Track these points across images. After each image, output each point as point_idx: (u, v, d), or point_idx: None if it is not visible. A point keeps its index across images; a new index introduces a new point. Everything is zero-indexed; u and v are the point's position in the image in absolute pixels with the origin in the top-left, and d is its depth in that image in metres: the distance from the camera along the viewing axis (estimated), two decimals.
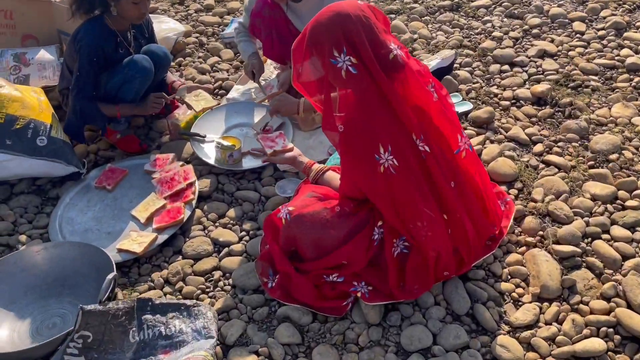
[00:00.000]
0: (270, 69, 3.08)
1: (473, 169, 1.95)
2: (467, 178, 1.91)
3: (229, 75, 3.31)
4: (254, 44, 2.90)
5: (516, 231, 2.20)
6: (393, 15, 3.73)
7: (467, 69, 3.14)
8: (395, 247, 1.90)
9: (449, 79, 3.01)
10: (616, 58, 3.08)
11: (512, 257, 2.10)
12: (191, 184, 2.44)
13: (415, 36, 3.45)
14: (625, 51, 3.12)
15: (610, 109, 2.78)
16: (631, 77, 2.96)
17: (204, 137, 2.71)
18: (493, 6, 3.71)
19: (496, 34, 3.39)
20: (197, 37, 3.69)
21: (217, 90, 3.17)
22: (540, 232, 2.16)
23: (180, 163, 2.57)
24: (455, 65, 3.12)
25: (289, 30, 2.73)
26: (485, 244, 2.04)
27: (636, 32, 3.28)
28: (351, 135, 1.77)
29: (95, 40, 2.45)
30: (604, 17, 3.45)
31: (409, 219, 1.81)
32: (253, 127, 2.77)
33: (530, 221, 2.19)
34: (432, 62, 3.05)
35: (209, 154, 2.63)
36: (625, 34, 3.26)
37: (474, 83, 3.05)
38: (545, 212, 2.24)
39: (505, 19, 3.58)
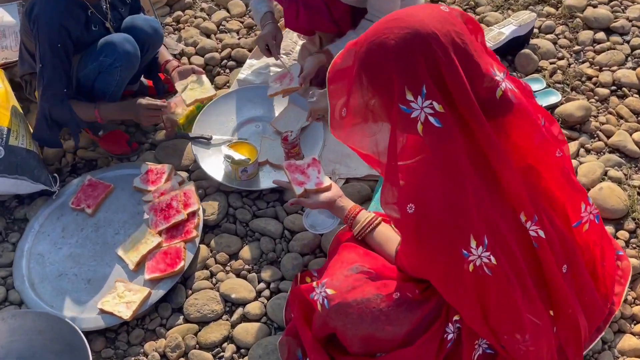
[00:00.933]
0: (294, 38, 2.38)
1: (594, 241, 1.36)
2: (583, 256, 1.33)
3: (239, 38, 2.61)
4: (271, 1, 2.18)
5: (630, 297, 1.63)
6: None
7: (548, 36, 2.41)
8: (476, 348, 1.36)
9: (526, 53, 2.30)
10: None
11: (626, 341, 1.55)
12: (193, 213, 1.87)
13: None
14: None
15: None
16: None
17: (210, 139, 2.09)
18: None
19: None
20: None
21: (224, 61, 2.50)
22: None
23: (179, 180, 1.98)
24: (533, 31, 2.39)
25: None
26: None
27: None
28: (427, 221, 1.18)
29: (56, 17, 1.78)
30: None
31: (504, 330, 1.26)
32: (273, 124, 2.13)
33: None
34: (506, 28, 2.33)
35: (217, 163, 2.03)
36: None
37: (559, 59, 2.33)
38: None
39: None
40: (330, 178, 1.97)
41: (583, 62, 2.32)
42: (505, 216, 1.17)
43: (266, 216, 1.93)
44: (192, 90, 2.05)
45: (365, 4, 2.02)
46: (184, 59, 2.50)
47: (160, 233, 1.84)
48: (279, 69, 2.30)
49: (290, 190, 1.66)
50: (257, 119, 2.18)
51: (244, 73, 2.34)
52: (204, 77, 2.09)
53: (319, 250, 1.83)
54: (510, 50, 2.33)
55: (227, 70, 2.47)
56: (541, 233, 1.19)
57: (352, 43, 1.20)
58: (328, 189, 1.62)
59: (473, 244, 1.16)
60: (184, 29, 2.67)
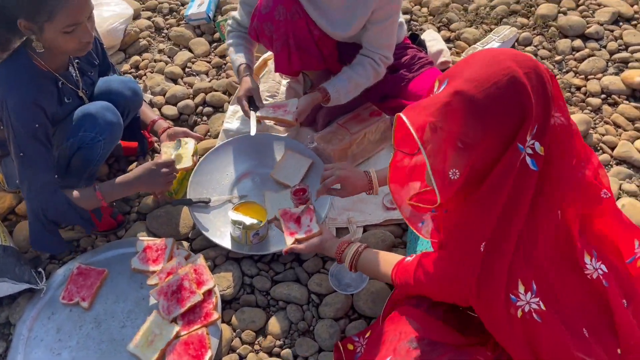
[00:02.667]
0: (277, 78, 2.22)
1: None
2: None
3: (210, 80, 2.42)
4: (251, 49, 2.01)
5: None
6: None
7: (528, 48, 2.40)
8: None
9: None
10: None
11: None
12: (209, 292, 1.68)
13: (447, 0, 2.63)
14: None
15: None
16: None
17: (208, 201, 1.90)
18: None
19: None
20: (150, 19, 2.71)
21: (200, 108, 2.31)
22: None
23: (184, 254, 1.78)
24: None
25: (310, 33, 1.87)
26: None
27: None
28: (494, 257, 1.15)
29: (28, 95, 1.53)
30: None
31: None
32: (273, 175, 1.98)
33: None
34: (489, 46, 2.29)
35: (220, 228, 1.85)
36: None
37: None
38: None
39: None
40: (348, 228, 1.87)
41: (567, 72, 2.33)
42: (556, 259, 1.15)
43: (287, 280, 1.77)
44: (177, 154, 1.84)
45: (359, 39, 1.92)
46: (155, 111, 2.28)
47: (175, 320, 1.64)
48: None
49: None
50: (253, 171, 2.01)
51: (229, 122, 2.16)
52: (192, 144, 1.87)
53: (353, 312, 1.70)
54: None
55: (205, 118, 2.28)
56: (603, 268, 1.17)
57: (448, 92, 1.05)
58: (319, 234, 1.59)
59: (521, 289, 1.14)
60: (145, 75, 2.45)
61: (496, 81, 1.01)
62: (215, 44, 2.57)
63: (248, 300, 1.74)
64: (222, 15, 2.66)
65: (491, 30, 2.45)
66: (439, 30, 2.51)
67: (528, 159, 1.04)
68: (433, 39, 2.35)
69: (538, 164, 1.05)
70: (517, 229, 1.11)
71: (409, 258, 1.38)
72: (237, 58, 1.96)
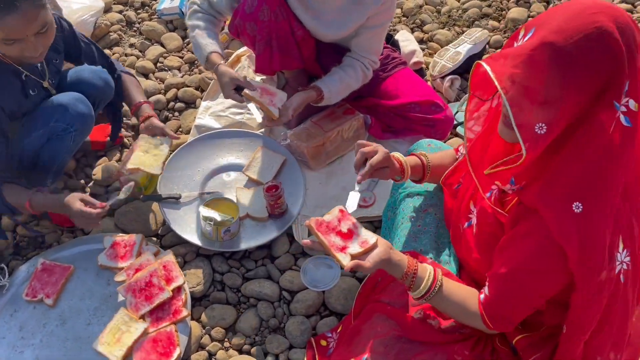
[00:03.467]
0: (249, 75, 2.20)
1: None
2: None
3: (182, 76, 2.39)
4: (218, 36, 1.91)
5: None
6: None
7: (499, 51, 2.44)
8: None
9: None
10: None
11: None
12: (179, 288, 1.66)
13: (420, 1, 2.66)
14: None
15: None
16: None
17: (179, 197, 1.88)
18: None
19: None
20: (121, 13, 2.66)
21: (172, 104, 2.28)
22: None
23: (153, 250, 1.75)
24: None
25: (293, 34, 1.86)
26: None
27: None
28: (595, 221, 1.03)
29: None
30: None
31: (602, 349, 1.17)
32: (246, 172, 1.96)
33: None
34: (461, 47, 2.32)
35: (191, 225, 1.83)
36: None
37: None
38: None
39: None
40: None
41: None
42: (638, 217, 1.09)
43: (258, 277, 1.76)
44: (145, 155, 1.80)
45: (344, 42, 1.92)
46: (142, 92, 2.24)
47: (143, 317, 1.61)
48: (240, 110, 2.13)
49: (326, 251, 1.25)
50: (226, 167, 1.99)
51: (201, 117, 2.13)
52: (166, 150, 1.83)
53: (324, 309, 1.70)
54: (468, 68, 2.32)
55: (177, 114, 2.25)
56: None
57: (533, 43, 0.97)
58: (376, 246, 1.23)
59: (620, 247, 1.07)
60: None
61: (587, 33, 0.94)
62: (187, 39, 2.53)
63: (218, 297, 1.72)
64: None
65: (463, 32, 2.48)
66: (412, 31, 2.53)
67: (622, 117, 0.98)
68: (406, 40, 2.37)
69: (632, 121, 0.99)
70: (616, 183, 1.02)
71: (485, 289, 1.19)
72: (208, 44, 1.81)
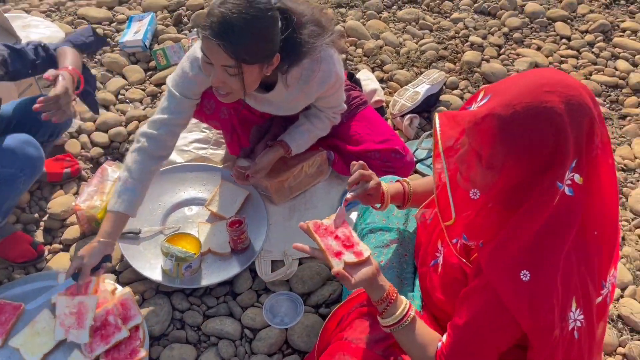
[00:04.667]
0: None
1: None
2: None
3: (144, 108, 2.37)
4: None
5: None
6: (343, 10, 2.97)
7: (455, 92, 2.55)
8: None
9: (442, 111, 2.40)
10: (617, 74, 2.68)
11: None
12: (136, 327, 1.61)
13: (380, 42, 2.75)
14: (622, 64, 2.72)
15: (630, 145, 2.37)
16: (639, 99, 2.57)
17: (138, 232, 1.84)
18: None
19: (474, 39, 2.80)
20: None
21: (133, 136, 2.25)
22: (621, 349, 1.71)
23: (111, 287, 1.70)
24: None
25: (253, 114, 1.93)
26: None
27: (622, 35, 2.90)
28: (543, 287, 1.05)
29: None
30: (583, 15, 3.01)
31: None
32: (208, 206, 1.94)
33: None
34: (420, 87, 2.41)
35: (151, 260, 1.79)
36: (615, 40, 2.86)
37: None
38: (616, 315, 1.78)
39: (476, 16, 3.00)
40: (283, 260, 1.86)
41: None
42: (594, 274, 1.10)
43: (219, 315, 1.73)
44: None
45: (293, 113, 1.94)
46: (83, 137, 2.20)
47: (98, 358, 1.55)
48: (203, 145, 2.12)
49: (320, 258, 1.22)
50: (188, 202, 1.97)
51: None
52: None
53: (287, 347, 1.68)
54: (426, 107, 2.41)
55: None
56: (609, 287, 1.15)
57: (481, 112, 1.01)
58: (367, 261, 1.20)
59: (574, 306, 1.07)
60: (75, 100, 2.34)
61: (534, 112, 0.97)
62: (150, 72, 2.53)
63: (178, 336, 1.67)
64: (158, 44, 2.63)
65: (421, 72, 2.58)
66: (372, 70, 2.61)
67: (566, 189, 1.00)
68: (368, 79, 2.44)
69: (576, 191, 1.01)
70: (563, 250, 1.03)
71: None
72: (120, 201, 1.60)
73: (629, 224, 2.08)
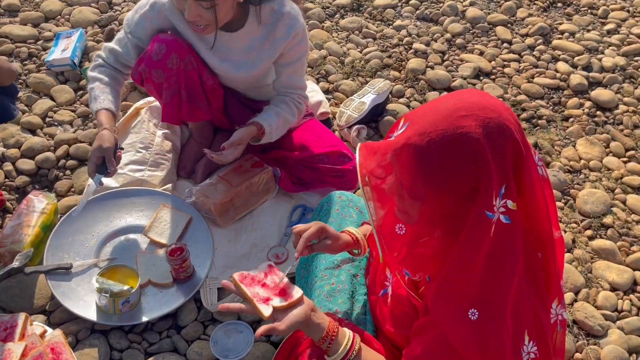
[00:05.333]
0: (150, 129, 2.07)
1: None
2: None
3: (75, 131, 2.22)
4: (119, 92, 1.81)
5: None
6: None
7: (401, 100, 2.51)
8: None
9: (389, 120, 2.35)
10: (558, 76, 2.71)
11: None
12: None
13: (324, 52, 2.69)
14: (562, 66, 2.75)
15: (575, 146, 2.39)
16: (580, 100, 2.61)
17: (70, 267, 1.69)
18: (400, 5, 3.08)
19: (417, 46, 2.79)
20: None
21: (62, 161, 2.09)
22: (578, 354, 1.69)
23: (39, 330, 1.55)
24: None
25: (202, 85, 1.79)
26: None
27: (561, 37, 2.95)
28: (492, 326, 0.98)
29: None
30: (523, 19, 3.05)
31: None
32: (147, 234, 1.82)
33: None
34: (365, 97, 2.35)
35: (84, 297, 1.64)
36: (555, 42, 2.90)
37: None
38: (571, 320, 1.77)
39: (418, 23, 2.99)
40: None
41: None
42: (544, 304, 1.05)
43: (162, 351, 1.60)
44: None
45: (255, 92, 1.91)
46: (7, 165, 2.03)
47: None
48: (140, 167, 1.98)
49: (249, 312, 1.17)
50: (124, 230, 1.83)
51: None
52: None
53: None
54: (372, 117, 2.36)
55: (68, 172, 2.07)
56: (563, 315, 1.10)
57: (399, 142, 0.97)
58: (299, 301, 1.16)
59: (527, 339, 1.02)
60: None
61: (450, 138, 0.92)
62: (81, 91, 2.37)
63: None
64: (89, 62, 2.48)
65: (367, 82, 2.53)
66: (317, 81, 2.55)
67: (502, 217, 0.94)
68: (312, 90, 2.37)
69: (512, 218, 0.95)
70: (510, 282, 0.97)
71: None
72: (101, 100, 1.69)
73: (578, 226, 2.08)
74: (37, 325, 1.57)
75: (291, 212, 2.00)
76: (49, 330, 1.56)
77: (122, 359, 1.58)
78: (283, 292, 1.17)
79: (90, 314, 1.60)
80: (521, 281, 0.98)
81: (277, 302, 1.15)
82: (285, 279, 1.20)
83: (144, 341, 1.62)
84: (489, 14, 3.05)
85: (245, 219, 1.95)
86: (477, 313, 0.96)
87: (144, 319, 1.62)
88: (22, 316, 1.55)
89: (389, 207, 1.05)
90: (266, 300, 1.16)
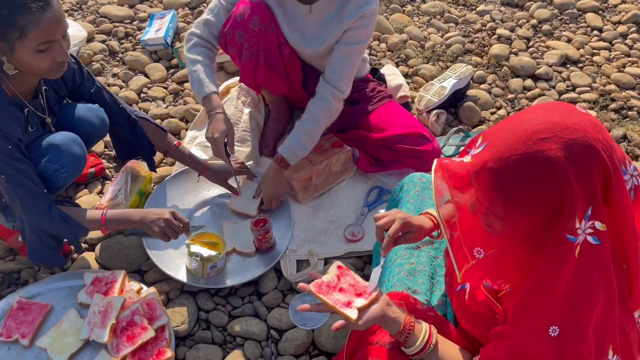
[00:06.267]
0: (239, 106, 2.18)
1: None
2: None
3: (167, 106, 2.36)
4: (214, 73, 1.87)
5: None
6: None
7: (482, 86, 2.48)
8: None
9: (470, 106, 2.33)
10: None
11: None
12: (162, 327, 1.59)
13: (404, 36, 2.70)
14: None
15: None
16: None
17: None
18: None
19: (501, 31, 2.73)
20: (104, 42, 2.63)
21: None
22: None
23: (136, 287, 1.69)
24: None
25: (280, 51, 1.86)
26: None
27: None
28: (574, 342, 0.97)
29: None
30: (615, 6, 2.91)
31: None
32: (231, 205, 1.92)
33: None
34: (446, 82, 2.35)
35: (175, 260, 1.77)
36: None
37: (497, 108, 2.40)
38: None
39: (503, 8, 2.92)
40: (309, 260, 1.83)
41: (519, 110, 2.41)
42: (629, 316, 1.03)
43: (245, 315, 1.71)
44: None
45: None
46: (106, 137, 2.19)
47: (124, 359, 1.53)
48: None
49: (332, 311, 1.20)
50: (211, 201, 1.95)
51: (189, 145, 2.09)
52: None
53: (313, 348, 1.65)
54: (453, 102, 2.35)
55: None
56: None
57: (476, 165, 0.95)
58: (378, 297, 1.19)
59: (610, 354, 1.00)
60: None
61: (529, 164, 0.88)
62: (172, 69, 2.51)
63: (203, 337, 1.65)
64: (180, 42, 2.61)
65: (447, 67, 2.52)
66: (397, 65, 2.56)
67: (589, 238, 0.90)
68: (392, 74, 2.39)
69: (601, 239, 0.91)
70: (594, 301, 0.94)
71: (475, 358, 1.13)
72: (207, 84, 1.76)
73: None
74: (134, 282, 1.71)
75: (367, 193, 2.04)
76: (144, 287, 1.70)
77: (208, 318, 1.69)
78: (361, 293, 1.20)
79: (181, 276, 1.72)
80: (611, 299, 0.96)
81: (359, 302, 1.18)
82: (359, 279, 1.24)
83: (228, 304, 1.73)
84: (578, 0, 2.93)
85: (324, 196, 2.02)
86: (558, 330, 0.94)
87: (229, 283, 1.73)
88: (121, 273, 1.70)
89: (465, 228, 1.05)
90: (348, 304, 1.19)
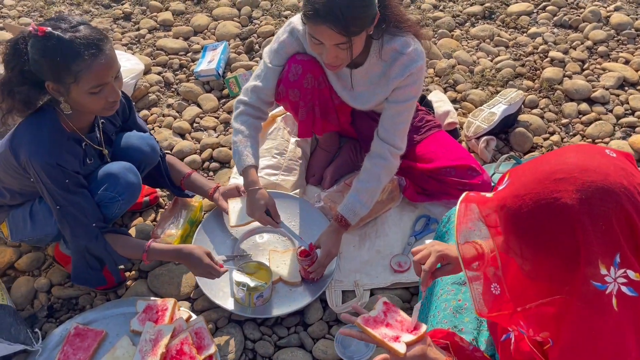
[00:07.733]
0: (285, 136, 2.22)
1: None
2: None
3: (217, 136, 2.43)
4: (258, 140, 1.88)
5: None
6: None
7: (535, 111, 2.42)
8: None
9: (521, 132, 2.28)
10: None
11: None
12: (210, 357, 1.62)
13: (453, 61, 2.67)
14: None
15: None
16: None
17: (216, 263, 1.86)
18: (535, 12, 2.96)
19: (554, 54, 2.66)
20: (160, 74, 2.75)
21: (206, 163, 2.30)
22: None
23: (185, 315, 1.73)
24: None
25: (332, 101, 1.91)
26: None
27: None
28: None
29: (50, 157, 1.53)
30: None
31: None
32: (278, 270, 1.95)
33: None
34: (496, 108, 2.30)
35: (224, 289, 1.81)
36: None
37: (550, 134, 2.33)
38: None
39: (556, 30, 2.85)
40: (354, 291, 1.82)
41: (574, 135, 2.33)
42: None
43: (290, 345, 1.71)
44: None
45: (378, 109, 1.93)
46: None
47: None
48: (274, 171, 2.13)
49: (380, 345, 1.22)
50: (258, 229, 1.98)
51: (235, 177, 2.14)
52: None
53: None
54: (503, 129, 2.30)
55: (212, 173, 2.28)
56: None
57: (494, 203, 0.96)
58: (422, 339, 1.20)
59: None
60: (153, 129, 2.46)
61: (541, 204, 0.87)
62: (223, 99, 2.59)
63: None
64: (231, 72, 2.70)
65: (497, 92, 2.48)
66: (445, 91, 2.54)
67: (624, 288, 0.87)
68: (440, 100, 2.37)
69: (637, 290, 0.87)
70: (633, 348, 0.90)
71: None
72: (245, 156, 1.79)
73: None
74: (184, 310, 1.75)
75: (415, 222, 2.02)
76: (193, 315, 1.74)
77: (254, 348, 1.71)
78: (413, 329, 1.22)
79: (229, 305, 1.75)
80: None
81: (407, 337, 1.20)
82: (405, 315, 1.26)
83: (274, 334, 1.75)
84: (636, 19, 2.83)
85: (369, 225, 2.01)
86: None
87: (275, 313, 1.74)
88: (171, 301, 1.74)
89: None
90: (397, 339, 1.21)
